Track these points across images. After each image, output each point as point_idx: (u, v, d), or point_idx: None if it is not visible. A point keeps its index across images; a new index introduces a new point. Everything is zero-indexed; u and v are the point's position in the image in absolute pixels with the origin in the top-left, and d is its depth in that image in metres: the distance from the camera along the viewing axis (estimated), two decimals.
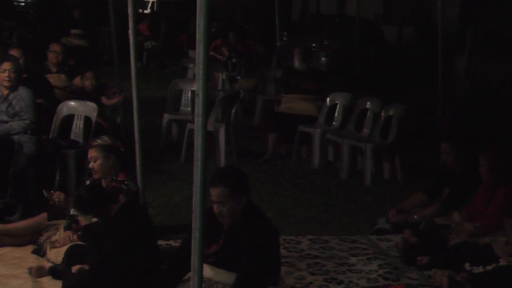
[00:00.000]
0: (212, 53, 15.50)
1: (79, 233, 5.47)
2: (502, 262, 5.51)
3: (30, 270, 5.49)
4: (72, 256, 5.33)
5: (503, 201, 6.07)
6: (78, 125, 8.00)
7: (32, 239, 6.04)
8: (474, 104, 12.84)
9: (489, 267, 5.52)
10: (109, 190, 5.53)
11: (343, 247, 6.60)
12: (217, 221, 4.51)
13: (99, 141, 5.66)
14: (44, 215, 6.11)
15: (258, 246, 4.40)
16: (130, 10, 5.42)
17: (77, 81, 9.02)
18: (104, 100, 8.71)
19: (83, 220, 5.39)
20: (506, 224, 5.76)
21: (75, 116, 8.05)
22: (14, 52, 8.11)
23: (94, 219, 5.39)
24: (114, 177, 5.69)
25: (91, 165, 5.69)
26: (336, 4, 24.42)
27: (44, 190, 5.90)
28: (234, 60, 15.12)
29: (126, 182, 5.61)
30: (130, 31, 5.44)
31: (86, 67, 9.77)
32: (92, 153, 5.65)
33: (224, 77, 13.23)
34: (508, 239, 5.64)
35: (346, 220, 7.46)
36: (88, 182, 5.91)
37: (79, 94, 8.54)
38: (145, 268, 5.17)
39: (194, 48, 3.37)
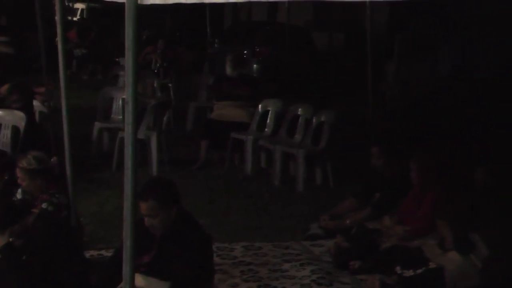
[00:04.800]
0: (150, 55, 15.40)
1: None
2: (432, 265, 5.60)
3: None
4: None
5: (432, 205, 6.18)
6: (5, 135, 7.85)
7: None
8: (403, 109, 13.04)
9: (419, 270, 5.61)
10: (20, 204, 5.41)
11: (276, 253, 6.61)
12: (149, 230, 4.48)
13: (24, 163, 5.51)
14: None
15: (191, 254, 4.38)
16: (58, 17, 5.34)
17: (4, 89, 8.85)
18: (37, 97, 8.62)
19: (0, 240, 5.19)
20: (438, 225, 5.88)
21: (2, 126, 7.89)
22: None
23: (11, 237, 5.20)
24: (44, 189, 5.59)
25: (19, 181, 5.58)
26: (267, 11, 24.54)
27: None
28: (165, 65, 15.05)
29: (56, 195, 5.51)
30: (58, 38, 5.37)
31: (13, 75, 9.59)
32: (18, 172, 5.53)
33: (155, 85, 13.16)
34: (441, 238, 5.74)
35: (279, 226, 7.49)
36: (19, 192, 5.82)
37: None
38: (72, 280, 5.07)
39: (123, 55, 3.35)
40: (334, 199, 7.87)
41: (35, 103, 9.16)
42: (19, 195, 5.84)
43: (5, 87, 8.83)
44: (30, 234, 5.04)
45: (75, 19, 25.45)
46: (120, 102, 10.41)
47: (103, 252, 6.36)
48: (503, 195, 5.86)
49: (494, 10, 13.09)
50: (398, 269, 5.74)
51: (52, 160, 5.82)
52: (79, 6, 26.32)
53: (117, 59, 17.63)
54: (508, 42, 13.99)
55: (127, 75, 3.25)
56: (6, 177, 5.96)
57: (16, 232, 5.04)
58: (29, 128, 8.00)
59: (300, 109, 9.53)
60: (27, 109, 8.33)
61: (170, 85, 14.35)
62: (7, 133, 7.85)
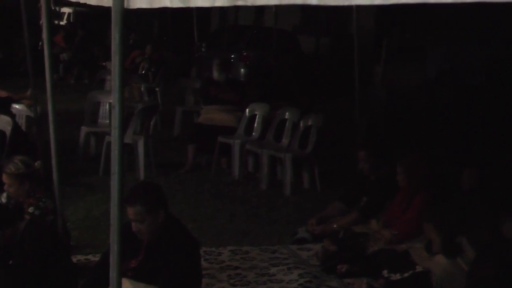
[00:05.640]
0: (137, 59, 15.36)
1: None
2: (419, 269, 5.62)
3: None
4: None
5: (419, 208, 6.20)
6: None
7: None
8: (390, 112, 13.08)
9: (406, 274, 5.63)
10: (13, 208, 5.38)
11: (263, 257, 6.61)
12: (136, 235, 4.47)
13: (12, 168, 5.46)
14: None
15: (179, 259, 4.38)
16: (44, 21, 5.33)
17: None
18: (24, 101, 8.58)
19: None
20: (425, 228, 5.89)
21: None
22: None
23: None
24: (31, 193, 5.57)
25: (5, 188, 5.54)
26: (254, 15, 24.56)
27: None
28: (152, 70, 15.03)
29: (43, 199, 5.48)
30: (45, 43, 5.35)
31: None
32: (5, 179, 5.48)
33: (142, 89, 13.14)
34: (428, 241, 5.77)
35: (266, 230, 7.49)
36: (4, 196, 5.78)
37: None
38: (60, 285, 5.04)
39: (110, 59, 3.34)
40: (322, 203, 7.88)
41: (21, 107, 9.13)
42: (4, 199, 5.81)
43: None
44: (20, 239, 5.01)
45: (61, 23, 25.38)
46: (107, 106, 10.38)
47: (90, 257, 6.34)
48: (488, 197, 5.89)
49: (482, 16, 13.16)
50: (385, 272, 5.76)
51: (36, 164, 5.80)
52: (66, 10, 26.23)
53: (103, 63, 17.60)
54: (494, 48, 14.07)
55: (114, 79, 3.24)
56: None
57: (7, 236, 5.02)
58: (14, 133, 7.98)
59: (287, 113, 9.53)
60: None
61: (157, 89, 14.34)
62: None
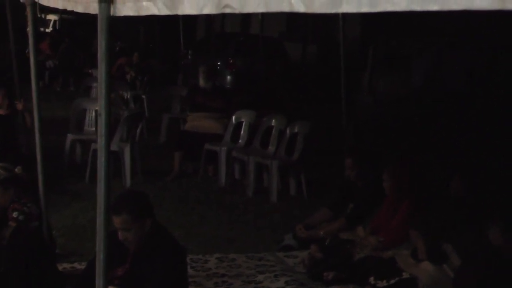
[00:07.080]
0: (123, 67, 15.34)
1: None
2: (405, 275, 5.63)
3: None
4: None
5: (406, 215, 6.20)
6: None
7: None
8: (376, 119, 13.11)
9: (392, 281, 5.64)
10: None
11: (250, 265, 6.60)
12: (123, 243, 4.46)
13: None
14: None
15: (165, 267, 4.37)
16: (30, 28, 5.32)
17: None
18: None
19: None
20: (411, 235, 5.90)
21: None
22: None
23: None
24: (16, 199, 5.54)
25: None
26: (241, 22, 24.60)
27: None
28: (139, 78, 15.03)
29: (28, 205, 5.46)
30: (30, 50, 5.34)
31: None
32: None
33: (129, 96, 13.12)
34: (414, 248, 5.78)
35: (253, 237, 7.48)
36: None
37: None
38: None
39: (96, 67, 3.34)
40: (308, 210, 7.88)
41: None
42: None
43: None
44: (6, 246, 4.98)
45: (47, 30, 25.33)
46: (93, 113, 10.35)
47: (76, 264, 6.30)
48: (474, 204, 5.90)
49: (469, 23, 13.22)
50: (371, 279, 5.76)
51: (16, 169, 5.77)
52: (52, 17, 26.18)
53: (90, 71, 17.56)
54: (481, 55, 14.12)
55: (100, 87, 3.23)
56: None
57: None
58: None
59: (273, 120, 9.54)
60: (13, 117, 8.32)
61: (143, 96, 14.33)
62: None
